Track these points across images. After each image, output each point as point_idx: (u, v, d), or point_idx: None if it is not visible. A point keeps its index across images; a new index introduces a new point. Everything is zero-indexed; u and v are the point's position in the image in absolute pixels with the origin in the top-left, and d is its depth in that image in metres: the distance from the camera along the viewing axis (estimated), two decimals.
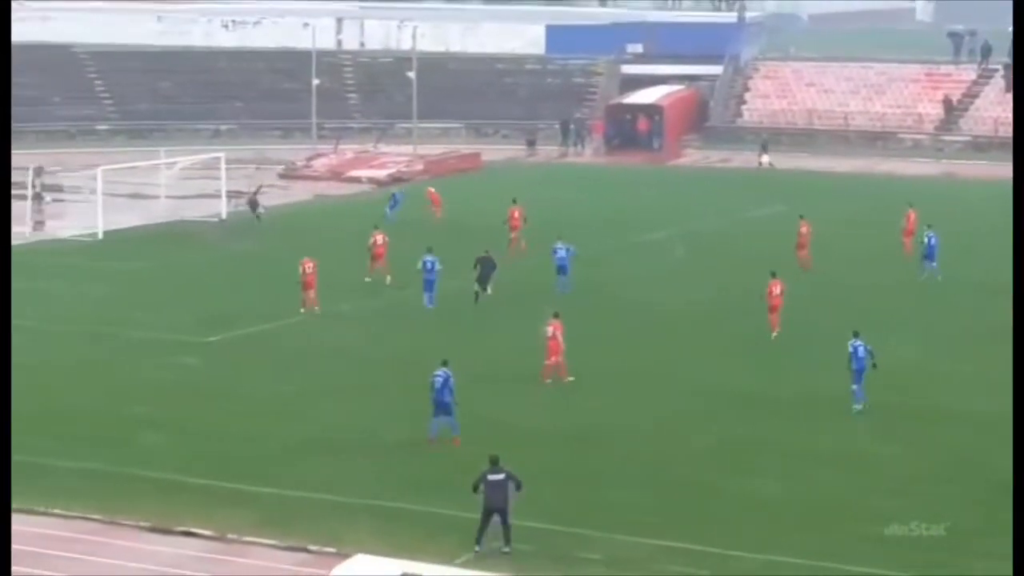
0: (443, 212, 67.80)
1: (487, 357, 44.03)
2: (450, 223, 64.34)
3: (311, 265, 50.05)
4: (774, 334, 46.52)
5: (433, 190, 70.18)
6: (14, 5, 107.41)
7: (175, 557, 29.66)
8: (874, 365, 38.68)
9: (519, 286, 54.05)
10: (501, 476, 29.81)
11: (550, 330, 41.52)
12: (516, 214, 61.08)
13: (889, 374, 40.47)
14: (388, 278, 53.94)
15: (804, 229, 57.31)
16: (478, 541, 29.64)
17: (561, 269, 52.74)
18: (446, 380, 36.08)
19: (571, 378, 41.23)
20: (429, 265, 50.81)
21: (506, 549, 29.55)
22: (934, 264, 55.24)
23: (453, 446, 35.81)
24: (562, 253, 52.88)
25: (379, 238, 54.96)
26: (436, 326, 48.50)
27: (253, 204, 67.57)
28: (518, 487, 29.95)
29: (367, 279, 54.03)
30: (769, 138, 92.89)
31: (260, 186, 68.59)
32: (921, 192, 70.69)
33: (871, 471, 34.80)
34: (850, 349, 38.77)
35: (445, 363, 36.47)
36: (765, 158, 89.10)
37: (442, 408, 36.07)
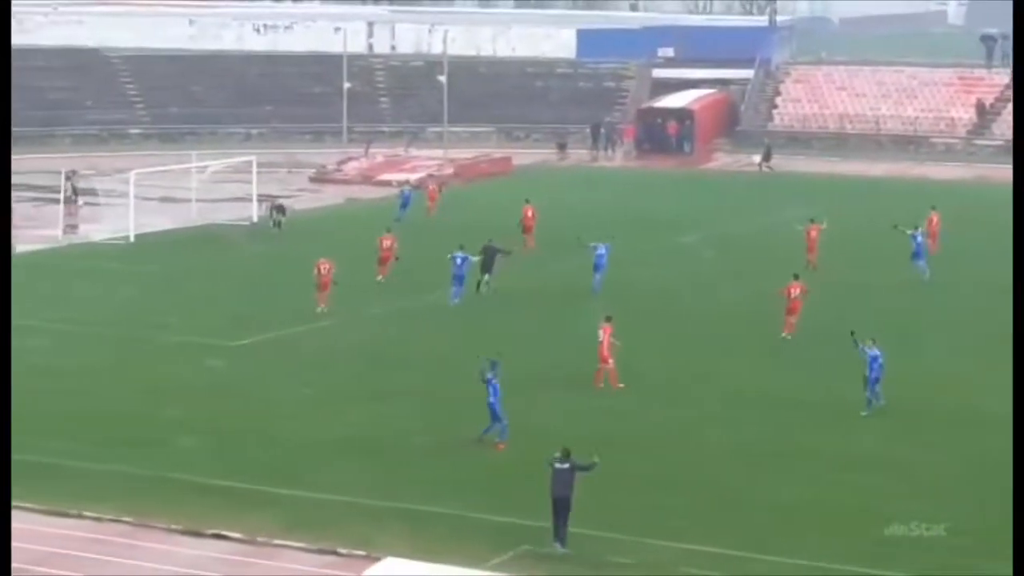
0: (436, 210, 69.08)
1: (515, 359, 44.00)
2: (476, 225, 64.35)
3: (327, 266, 50.42)
4: (784, 334, 46.68)
5: (433, 187, 70.91)
6: (46, 8, 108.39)
7: (205, 559, 29.72)
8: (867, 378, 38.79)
9: (547, 286, 54.15)
10: (566, 465, 29.89)
11: (601, 334, 41.41)
12: (530, 213, 61.60)
13: (913, 376, 40.50)
14: (380, 278, 54.59)
15: (814, 232, 57.53)
16: (555, 537, 29.63)
17: (597, 268, 53.35)
18: (488, 383, 36.13)
19: (600, 385, 41.19)
20: (459, 260, 51.62)
21: (562, 550, 29.43)
22: (921, 263, 56.05)
23: (476, 449, 35.85)
24: (601, 251, 53.51)
25: (386, 242, 55.34)
26: (463, 327, 48.59)
27: (276, 211, 67.25)
28: (584, 469, 29.87)
29: (379, 278, 54.43)
30: (803, 141, 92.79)
31: (281, 205, 68.32)
32: (953, 196, 70.58)
33: (895, 474, 34.71)
34: (868, 357, 38.66)
35: (492, 366, 36.47)
36: (756, 158, 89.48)
37: (489, 411, 36.14)
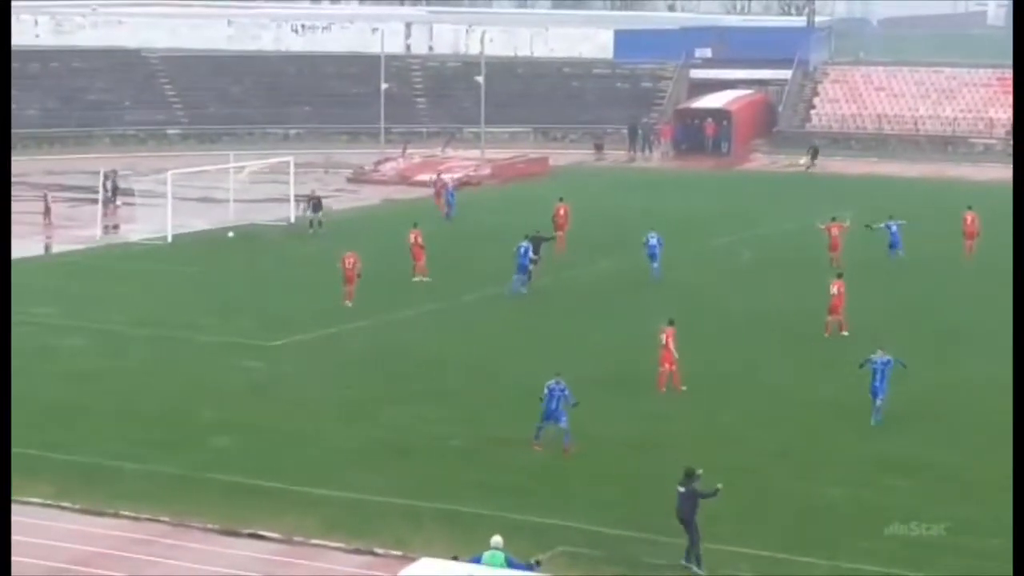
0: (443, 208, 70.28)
1: (551, 360, 44.07)
2: (510, 225, 64.31)
3: (351, 260, 50.97)
4: (842, 332, 46.77)
5: (439, 184, 73.07)
6: (86, 10, 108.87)
7: (242, 559, 29.79)
8: (903, 366, 38.47)
9: (581, 287, 54.13)
10: (683, 489, 29.47)
11: (663, 337, 41.18)
12: (562, 211, 61.45)
13: (951, 380, 40.25)
14: (421, 277, 54.89)
15: (835, 231, 57.65)
16: (685, 557, 29.37)
17: (652, 257, 55.30)
18: (551, 392, 35.73)
19: (684, 388, 40.83)
20: (523, 251, 53.34)
21: (685, 563, 29.28)
22: (899, 250, 58.64)
23: (512, 450, 35.89)
24: (653, 242, 55.54)
25: (411, 236, 55.71)
26: (497, 329, 48.64)
27: (313, 206, 67.10)
28: (704, 496, 29.48)
29: (415, 279, 54.70)
30: (841, 142, 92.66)
31: (318, 199, 67.99)
32: (991, 197, 70.23)
33: (942, 479, 34.57)
34: (879, 365, 38.07)
35: (558, 374, 36.22)
36: (803, 160, 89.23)
37: (551, 416, 35.76)
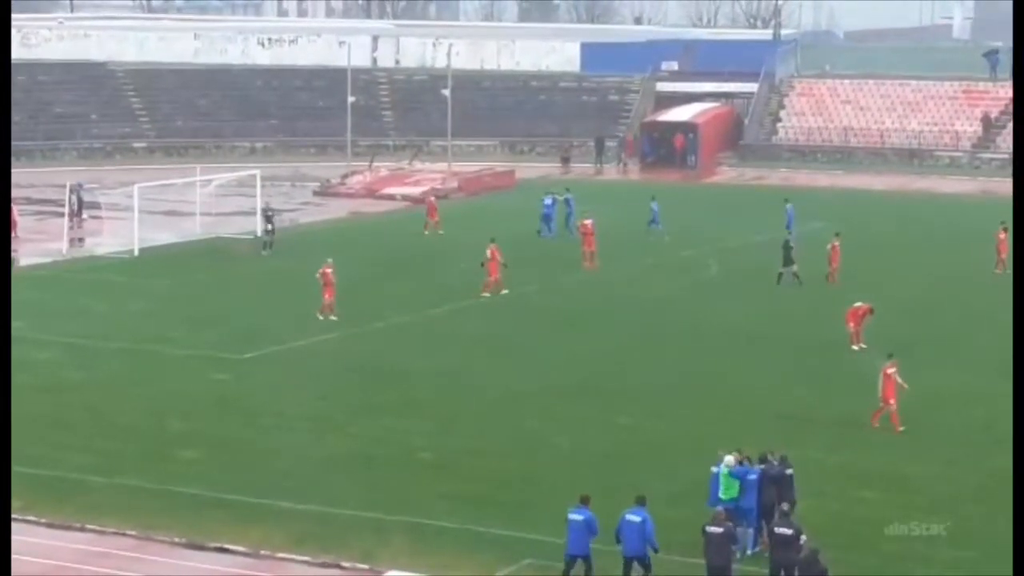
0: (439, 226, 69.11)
1: (526, 372, 44.15)
2: (478, 238, 64.27)
3: (329, 270, 51.03)
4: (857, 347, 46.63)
5: (432, 200, 72.53)
6: (52, 23, 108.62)
7: (209, 573, 29.68)
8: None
9: (556, 299, 54.19)
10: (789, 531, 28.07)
11: (886, 374, 38.83)
12: (588, 223, 61.31)
13: (923, 392, 40.30)
14: (503, 290, 54.48)
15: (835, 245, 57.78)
16: None
17: (546, 218, 65.69)
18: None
19: (902, 428, 38.64)
20: (549, 201, 66.86)
21: None
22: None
23: (479, 462, 35.89)
24: (548, 201, 66.41)
25: (489, 251, 54.93)
26: (470, 341, 48.59)
27: (267, 217, 66.39)
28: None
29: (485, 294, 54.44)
30: (807, 155, 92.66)
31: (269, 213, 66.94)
32: (958, 210, 70.62)
33: (911, 491, 34.58)
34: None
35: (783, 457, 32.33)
36: None
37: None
